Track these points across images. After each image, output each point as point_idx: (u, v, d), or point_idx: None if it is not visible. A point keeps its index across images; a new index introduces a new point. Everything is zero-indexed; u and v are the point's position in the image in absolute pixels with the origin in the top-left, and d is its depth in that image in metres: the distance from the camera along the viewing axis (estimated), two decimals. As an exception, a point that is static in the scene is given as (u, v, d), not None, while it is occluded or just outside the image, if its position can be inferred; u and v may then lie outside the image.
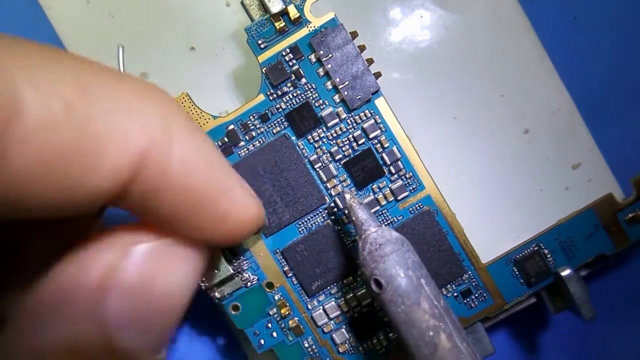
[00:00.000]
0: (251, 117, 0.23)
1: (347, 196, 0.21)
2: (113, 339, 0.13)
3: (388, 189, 0.23)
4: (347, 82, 0.22)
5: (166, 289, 0.14)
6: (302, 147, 0.23)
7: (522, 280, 0.23)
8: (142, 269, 0.14)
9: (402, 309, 0.19)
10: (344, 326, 0.23)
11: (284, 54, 0.22)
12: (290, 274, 0.23)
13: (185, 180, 0.14)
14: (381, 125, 0.23)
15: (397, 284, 0.19)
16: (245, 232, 0.16)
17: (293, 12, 0.22)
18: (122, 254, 0.13)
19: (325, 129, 0.23)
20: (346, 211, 0.22)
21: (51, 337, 0.12)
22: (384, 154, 0.23)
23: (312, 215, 0.23)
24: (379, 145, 0.23)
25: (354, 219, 0.20)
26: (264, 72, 0.22)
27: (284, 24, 0.22)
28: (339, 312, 0.23)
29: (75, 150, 0.11)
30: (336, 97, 0.22)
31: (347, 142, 0.23)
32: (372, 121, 0.23)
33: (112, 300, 0.13)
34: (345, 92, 0.22)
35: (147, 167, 0.13)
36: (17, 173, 0.11)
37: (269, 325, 0.23)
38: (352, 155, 0.23)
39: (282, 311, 0.23)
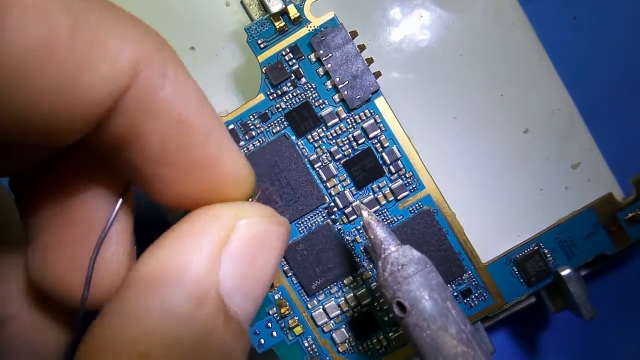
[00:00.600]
0: (251, 117, 0.23)
1: (365, 213, 0.20)
2: (227, 304, 0.14)
3: (388, 188, 0.23)
4: (347, 82, 0.22)
5: (265, 260, 0.15)
6: (302, 146, 0.23)
7: (522, 280, 0.23)
8: (249, 241, 0.14)
9: (428, 334, 0.17)
10: (344, 326, 0.23)
11: (284, 53, 0.22)
12: (291, 274, 0.23)
13: (176, 108, 0.13)
14: (381, 125, 0.23)
15: (423, 308, 0.17)
16: (236, 188, 0.16)
17: (293, 12, 0.22)
18: (229, 228, 0.14)
19: (325, 129, 0.23)
20: (363, 230, 0.21)
21: (166, 306, 0.13)
22: (384, 154, 0.23)
23: (312, 215, 0.23)
24: (379, 145, 0.23)
25: (372, 237, 0.19)
26: (264, 72, 0.22)
27: (284, 23, 0.22)
28: (339, 312, 0.23)
29: (70, 47, 0.11)
30: (336, 97, 0.22)
31: (347, 141, 0.23)
32: (372, 121, 0.23)
33: (227, 267, 0.14)
34: (345, 92, 0.22)
35: (140, 83, 0.13)
36: (12, 53, 0.10)
37: (269, 325, 0.23)
38: (352, 155, 0.23)
39: (282, 311, 0.23)
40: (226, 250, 0.14)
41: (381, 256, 0.19)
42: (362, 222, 0.21)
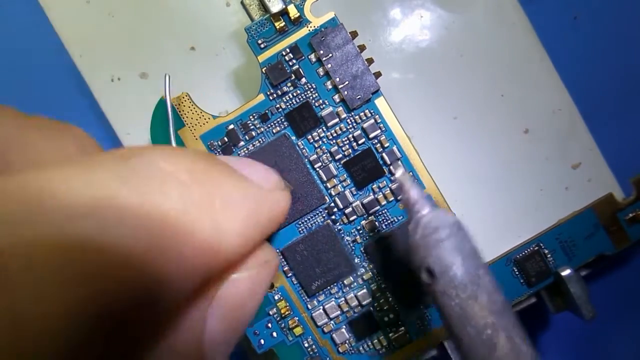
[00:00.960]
0: (251, 117, 0.23)
1: (400, 171, 0.19)
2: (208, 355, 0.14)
3: (388, 188, 0.23)
4: (347, 82, 0.22)
5: (251, 311, 0.15)
6: (302, 146, 0.23)
7: (522, 280, 0.23)
8: (240, 295, 0.14)
9: (457, 302, 0.16)
10: (344, 326, 0.23)
11: (284, 53, 0.22)
12: (290, 274, 0.23)
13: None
14: (381, 125, 0.23)
15: (453, 274, 0.16)
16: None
17: (293, 12, 0.22)
18: (221, 282, 0.14)
19: (325, 129, 0.23)
20: (398, 189, 0.19)
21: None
22: (384, 154, 0.23)
23: (312, 215, 0.23)
24: (379, 145, 0.23)
25: (405, 197, 0.18)
26: (263, 71, 0.22)
27: (284, 23, 0.22)
28: (339, 312, 0.23)
29: None
30: (336, 97, 0.22)
31: (347, 141, 0.23)
32: (372, 121, 0.23)
33: (214, 322, 0.14)
34: (345, 92, 0.22)
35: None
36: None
37: (269, 325, 0.23)
38: (352, 155, 0.23)
39: (282, 311, 0.23)
40: (216, 306, 0.14)
41: (412, 218, 0.18)
42: (396, 180, 0.19)
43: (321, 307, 0.23)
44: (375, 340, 0.23)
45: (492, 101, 0.25)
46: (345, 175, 0.23)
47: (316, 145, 0.23)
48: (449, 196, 0.23)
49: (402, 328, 0.23)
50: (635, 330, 0.27)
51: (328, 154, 0.23)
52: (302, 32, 0.22)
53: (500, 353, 0.16)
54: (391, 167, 0.22)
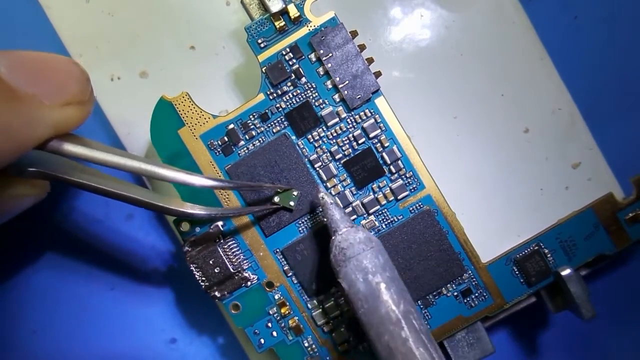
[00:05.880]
0: (251, 116, 0.23)
1: (320, 194, 0.21)
2: None
3: (388, 188, 0.23)
4: (347, 82, 0.22)
5: None
6: (302, 146, 0.23)
7: (522, 280, 0.23)
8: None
9: (362, 311, 0.19)
10: (344, 326, 0.23)
11: (284, 53, 0.22)
12: (290, 274, 0.23)
13: None
14: (381, 125, 0.23)
15: (357, 289, 0.19)
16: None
17: (293, 11, 0.22)
18: None
19: (325, 129, 0.23)
20: (319, 209, 0.22)
21: None
22: (384, 154, 0.23)
23: (312, 215, 0.23)
24: (379, 144, 0.23)
25: (326, 219, 0.21)
26: (263, 71, 0.22)
27: (284, 23, 0.22)
28: (339, 311, 0.23)
29: None
30: (336, 97, 0.22)
31: (347, 141, 0.23)
32: (372, 120, 0.23)
33: None
34: (345, 92, 0.22)
35: None
36: None
37: (269, 324, 0.23)
38: (352, 155, 0.23)
39: (282, 310, 0.23)
40: None
41: (331, 238, 0.20)
42: (318, 202, 0.22)
43: (321, 306, 0.23)
44: (375, 340, 0.23)
45: (492, 101, 0.25)
46: (345, 174, 0.23)
47: (316, 145, 0.23)
48: (449, 196, 0.23)
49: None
50: (635, 330, 0.27)
51: (328, 154, 0.23)
52: (302, 31, 0.22)
53: (396, 356, 0.18)
54: (316, 192, 0.22)
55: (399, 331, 0.19)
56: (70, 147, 0.18)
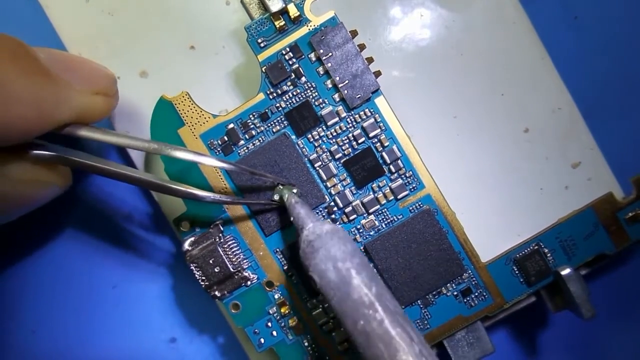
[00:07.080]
0: (251, 115, 0.23)
1: (286, 194, 0.22)
2: None
3: (388, 187, 0.23)
4: (347, 81, 0.22)
5: None
6: (302, 146, 0.23)
7: (522, 279, 0.23)
8: None
9: (335, 301, 0.19)
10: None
11: (284, 52, 0.22)
12: (290, 273, 0.23)
13: None
14: (381, 124, 0.23)
15: (328, 279, 0.19)
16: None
17: (293, 11, 0.22)
18: None
19: (325, 128, 0.23)
20: (288, 210, 0.22)
21: None
22: (383, 153, 0.23)
23: (312, 214, 0.23)
24: (378, 144, 0.23)
25: (292, 218, 0.21)
26: (263, 70, 0.22)
27: (283, 22, 0.22)
28: (338, 311, 0.23)
29: None
30: (336, 96, 0.22)
31: (347, 141, 0.23)
32: (372, 120, 0.23)
33: None
34: (345, 91, 0.22)
35: None
36: None
37: (269, 324, 0.23)
38: (352, 154, 0.23)
39: (282, 310, 0.23)
40: None
41: (299, 235, 0.20)
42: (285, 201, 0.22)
43: (321, 306, 0.23)
44: (375, 340, 0.23)
45: (492, 100, 0.25)
46: (345, 174, 0.23)
47: (316, 145, 0.23)
48: (449, 195, 0.23)
49: (402, 327, 0.23)
50: (635, 330, 0.27)
51: (328, 153, 0.23)
52: (302, 31, 0.22)
53: (374, 340, 0.18)
54: (278, 191, 0.23)
55: (374, 314, 0.18)
56: (84, 132, 0.20)
